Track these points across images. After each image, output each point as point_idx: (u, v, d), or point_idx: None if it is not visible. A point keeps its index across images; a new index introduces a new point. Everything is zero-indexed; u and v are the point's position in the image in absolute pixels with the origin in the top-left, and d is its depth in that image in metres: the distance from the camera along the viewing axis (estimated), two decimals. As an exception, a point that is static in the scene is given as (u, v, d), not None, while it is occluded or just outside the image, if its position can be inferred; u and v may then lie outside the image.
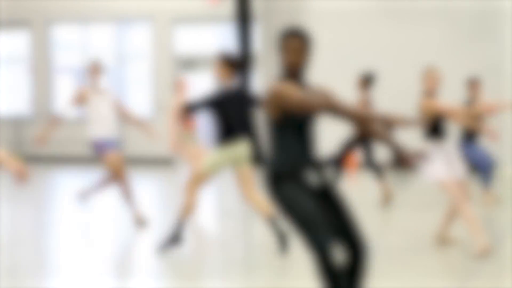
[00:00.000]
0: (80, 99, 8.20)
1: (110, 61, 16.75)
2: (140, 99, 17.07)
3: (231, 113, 6.45)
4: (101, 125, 8.07)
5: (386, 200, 9.41)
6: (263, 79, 15.44)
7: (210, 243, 7.47)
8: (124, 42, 16.82)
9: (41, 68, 16.88)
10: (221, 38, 17.63)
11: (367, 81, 9.39)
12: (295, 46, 3.97)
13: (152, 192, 11.91)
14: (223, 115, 6.44)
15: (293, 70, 4.00)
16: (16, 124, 16.90)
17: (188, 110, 6.41)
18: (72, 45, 17.30)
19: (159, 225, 8.25)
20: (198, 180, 6.49)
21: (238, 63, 6.55)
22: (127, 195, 8.14)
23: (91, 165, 15.32)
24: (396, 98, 13.18)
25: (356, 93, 9.63)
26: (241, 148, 6.49)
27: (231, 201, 10.41)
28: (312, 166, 3.99)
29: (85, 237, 7.71)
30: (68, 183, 13.07)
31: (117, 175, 8.02)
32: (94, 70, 8.17)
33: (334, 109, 3.74)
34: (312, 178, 3.97)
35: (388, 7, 14.09)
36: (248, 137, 6.56)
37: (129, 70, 17.36)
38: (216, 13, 15.72)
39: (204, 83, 17.73)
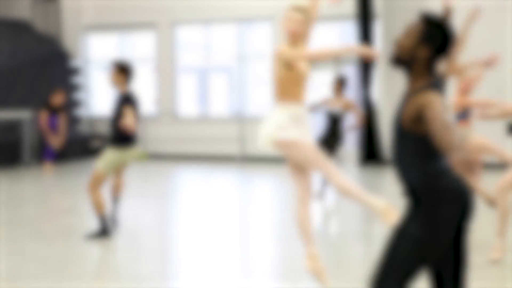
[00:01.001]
0: None
1: (231, 60, 17.03)
2: (261, 98, 17.23)
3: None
4: None
5: None
6: (383, 78, 15.26)
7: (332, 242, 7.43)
8: (245, 41, 17.04)
9: (165, 68, 17.38)
10: (342, 36, 17.55)
11: (341, 84, 9.76)
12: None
13: (274, 189, 12.01)
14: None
15: (441, 78, 3.29)
16: (142, 122, 17.50)
17: None
18: (194, 45, 17.73)
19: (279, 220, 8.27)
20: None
21: (130, 71, 7.38)
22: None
23: (208, 163, 15.64)
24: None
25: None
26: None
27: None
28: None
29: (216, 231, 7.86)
30: (189, 180, 13.39)
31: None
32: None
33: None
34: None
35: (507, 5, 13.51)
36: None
37: (250, 70, 17.59)
38: (337, 12, 15.63)
39: (323, 81, 17.69)
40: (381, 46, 15.30)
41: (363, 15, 14.82)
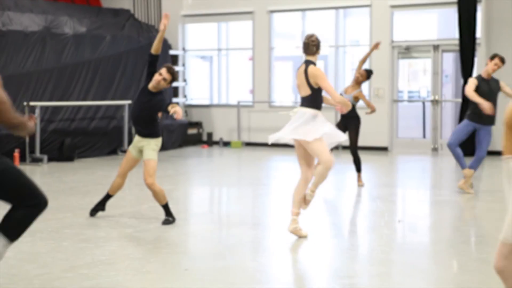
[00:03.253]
0: None
1: (327, 49, 16.92)
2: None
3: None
4: None
5: None
6: (483, 64, 14.81)
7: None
8: (341, 30, 16.89)
9: (261, 57, 17.41)
10: (443, 22, 17.15)
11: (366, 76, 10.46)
12: None
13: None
14: None
15: None
16: (238, 111, 17.67)
17: None
18: (291, 33, 17.72)
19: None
20: None
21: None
22: None
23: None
24: None
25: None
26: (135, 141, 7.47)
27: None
28: None
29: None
30: (284, 168, 13.43)
31: None
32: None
33: None
34: None
35: None
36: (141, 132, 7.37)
37: (346, 58, 17.44)
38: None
39: (420, 68, 17.33)
40: (483, 31, 14.86)
41: (465, 1, 14.45)
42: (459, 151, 9.51)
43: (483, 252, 6.25)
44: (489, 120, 9.31)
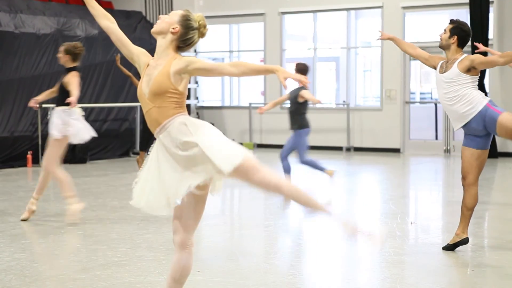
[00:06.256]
0: None
1: (338, 50, 16.88)
2: (368, 88, 17.05)
3: None
4: None
5: None
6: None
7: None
8: (353, 31, 16.86)
9: (273, 58, 17.42)
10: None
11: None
12: None
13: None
14: None
15: None
16: (249, 112, 17.69)
17: None
18: (302, 35, 17.72)
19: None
20: None
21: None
22: None
23: (314, 153, 15.65)
24: None
25: None
26: None
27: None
28: None
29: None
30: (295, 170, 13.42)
31: None
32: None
33: None
34: None
35: None
36: None
37: (358, 59, 17.41)
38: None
39: (432, 70, 17.22)
40: (495, 32, 14.81)
41: (477, 1, 14.40)
42: None
43: (496, 255, 6.22)
44: None
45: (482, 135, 6.02)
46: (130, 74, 11.34)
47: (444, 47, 6.11)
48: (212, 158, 3.69)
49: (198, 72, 3.88)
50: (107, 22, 4.15)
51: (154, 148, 3.88)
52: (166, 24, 3.93)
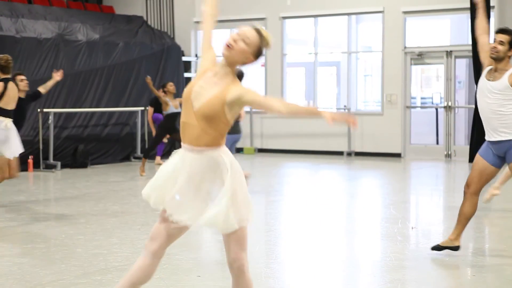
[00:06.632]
0: None
1: (339, 55, 16.89)
2: (369, 93, 17.05)
3: None
4: None
5: None
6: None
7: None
8: (354, 36, 16.88)
9: (274, 63, 17.45)
10: (456, 29, 17.10)
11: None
12: None
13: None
14: None
15: None
16: (250, 118, 17.70)
17: None
18: (303, 39, 17.72)
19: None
20: None
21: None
22: None
23: (315, 158, 15.62)
24: None
25: None
26: None
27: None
28: None
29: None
30: (296, 175, 13.42)
31: None
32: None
33: None
34: None
35: None
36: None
37: (359, 64, 17.42)
38: (451, 4, 15.24)
39: (433, 74, 17.29)
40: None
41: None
42: None
43: (497, 260, 6.22)
44: None
45: (502, 156, 5.95)
46: (160, 95, 12.20)
47: (501, 59, 5.92)
48: (230, 209, 3.79)
49: (248, 104, 3.78)
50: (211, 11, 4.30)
51: (180, 157, 3.79)
52: (241, 55, 3.81)
